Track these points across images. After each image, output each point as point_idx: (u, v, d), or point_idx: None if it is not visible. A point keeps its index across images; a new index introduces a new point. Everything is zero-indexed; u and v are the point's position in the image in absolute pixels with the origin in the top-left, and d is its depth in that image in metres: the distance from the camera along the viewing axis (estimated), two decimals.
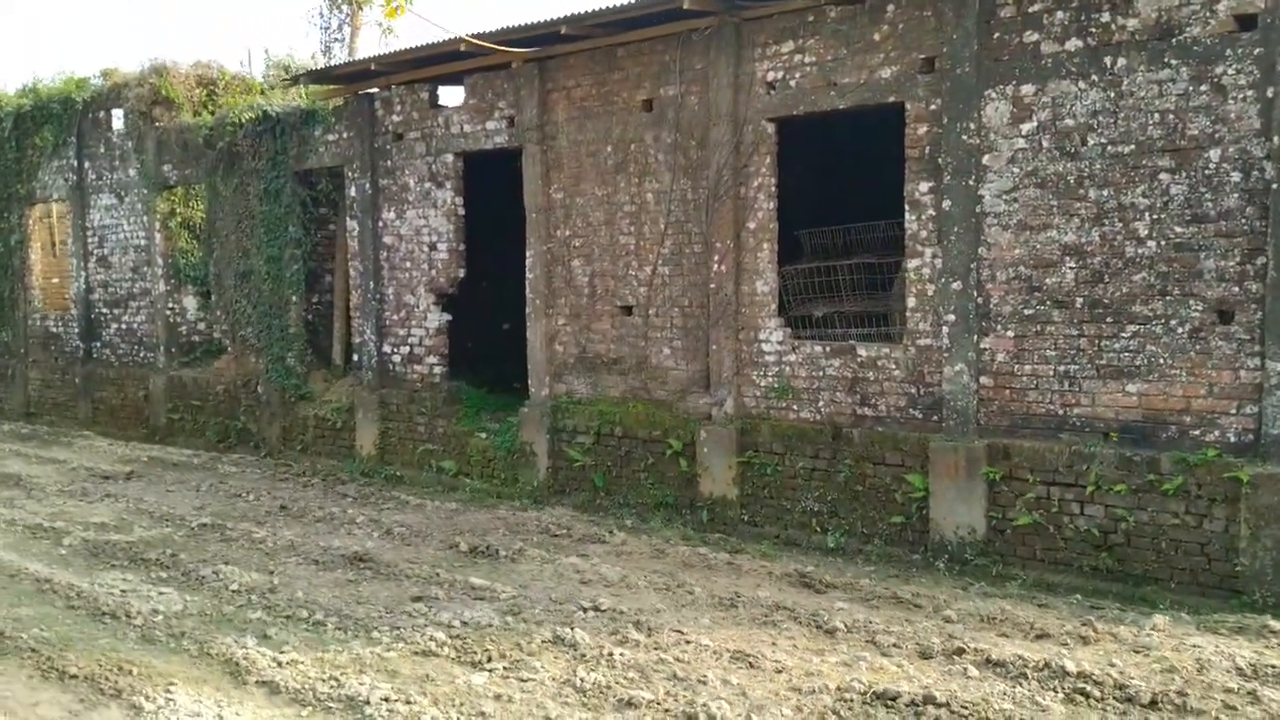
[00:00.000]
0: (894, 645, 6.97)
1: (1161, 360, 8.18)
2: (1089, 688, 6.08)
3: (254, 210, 15.33)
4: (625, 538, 10.14)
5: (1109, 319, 8.41)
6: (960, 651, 6.74)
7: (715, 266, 10.58)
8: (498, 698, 6.10)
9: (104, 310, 18.22)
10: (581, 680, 6.32)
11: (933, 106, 9.21)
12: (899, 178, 9.58)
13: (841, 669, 6.53)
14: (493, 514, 11.21)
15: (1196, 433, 8.06)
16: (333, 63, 20.63)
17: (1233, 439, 7.90)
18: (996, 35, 8.85)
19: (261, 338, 15.49)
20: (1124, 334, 8.35)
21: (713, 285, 10.62)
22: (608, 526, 10.58)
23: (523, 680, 6.38)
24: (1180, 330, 8.09)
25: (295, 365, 15.17)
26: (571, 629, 7.27)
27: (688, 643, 7.00)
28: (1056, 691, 6.08)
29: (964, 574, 8.90)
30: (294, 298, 15.18)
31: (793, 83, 10.03)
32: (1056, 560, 8.63)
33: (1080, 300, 8.55)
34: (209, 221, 16.34)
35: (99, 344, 18.40)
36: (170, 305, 17.15)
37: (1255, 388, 7.78)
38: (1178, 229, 8.06)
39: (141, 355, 17.56)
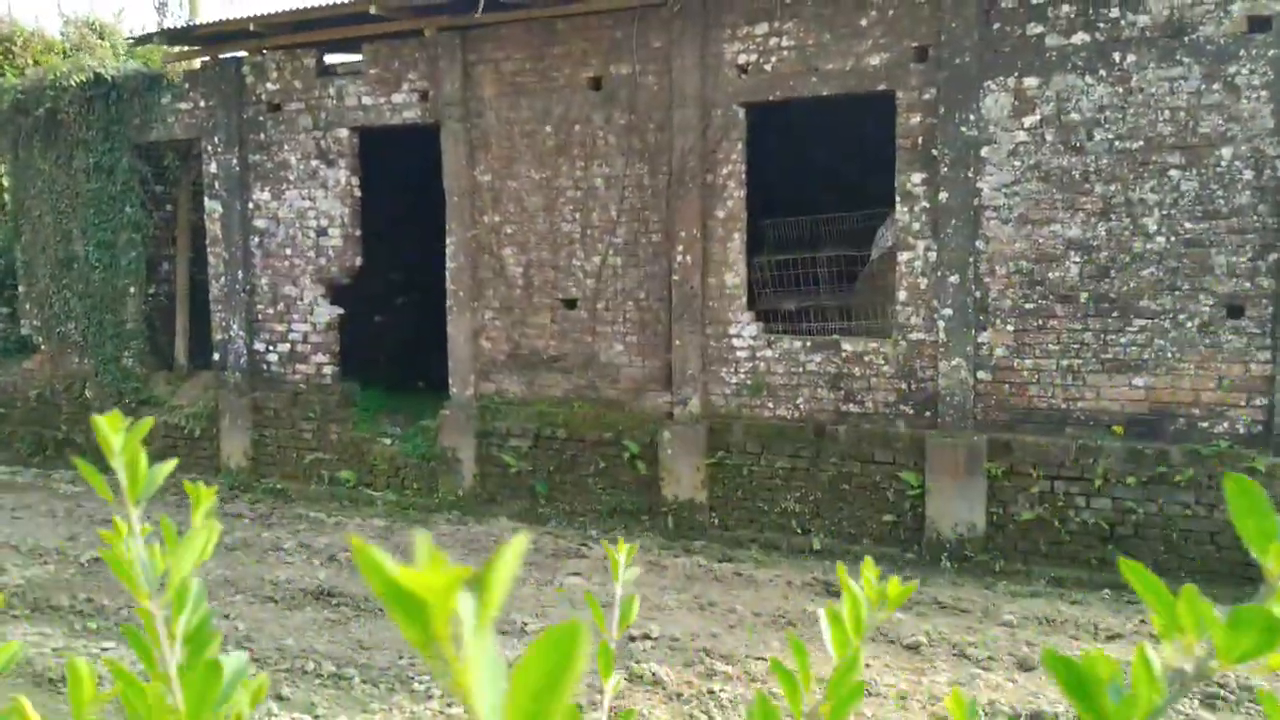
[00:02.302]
0: (989, 658, 6.71)
1: (1170, 354, 8.35)
2: (1217, 689, 6.03)
3: (80, 188, 13.22)
4: (599, 549, 9.39)
5: (1115, 313, 8.50)
6: None
7: (679, 257, 9.97)
8: None
9: None
10: None
11: (926, 96, 9.00)
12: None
13: (961, 689, 6.17)
14: (434, 530, 10.12)
15: (1205, 425, 8.28)
16: (174, 23, 18.22)
17: (1242, 431, 8.17)
18: (997, 26, 8.74)
19: (89, 335, 13.43)
20: (1130, 328, 8.46)
21: (676, 277, 10.02)
22: (574, 539, 9.78)
23: None
24: (1190, 325, 8.28)
25: (134, 366, 13.25)
26: (639, 663, 6.55)
27: None
28: (1190, 698, 5.99)
29: (964, 571, 8.80)
30: (132, 289, 13.24)
31: (768, 66, 9.56)
32: (1061, 555, 8.68)
33: (1085, 295, 8.59)
34: (15, 201, 13.99)
35: None
36: None
37: (1266, 380, 8.06)
38: (1188, 225, 8.23)
39: None
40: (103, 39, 16.32)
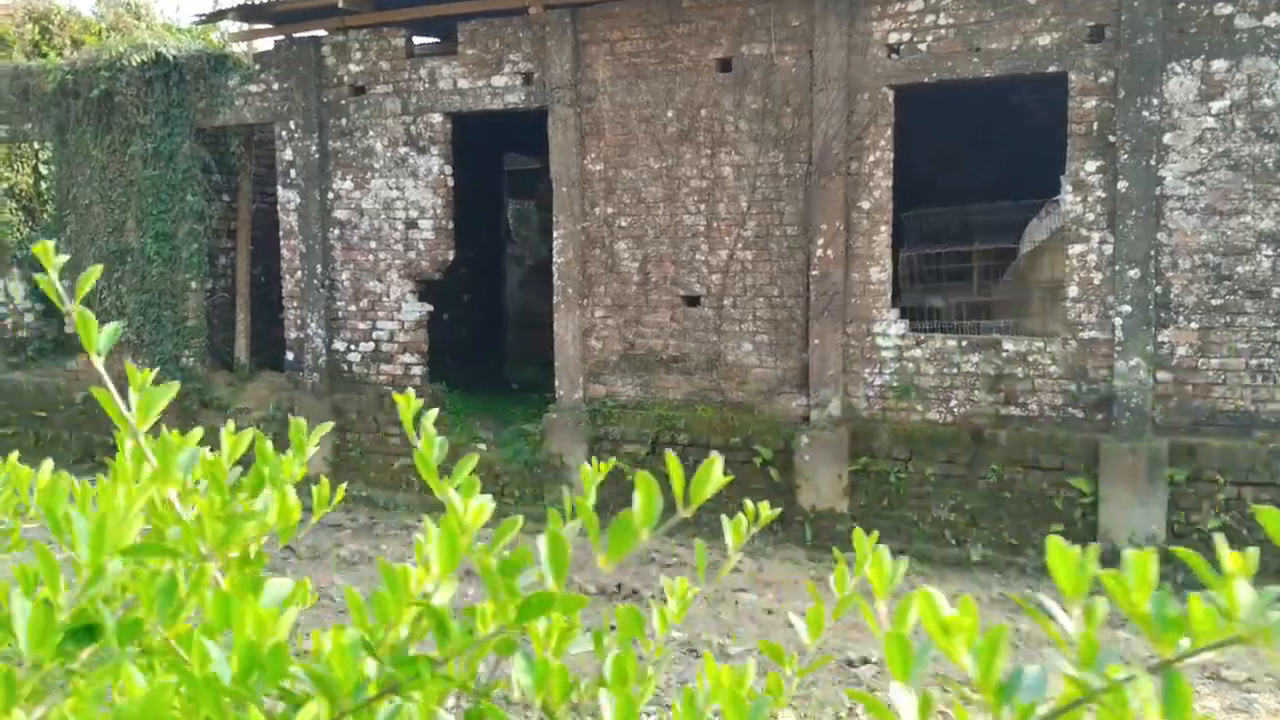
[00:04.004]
0: (1249, 680, 6.16)
1: None
2: None
3: (136, 175, 12.37)
4: (749, 563, 8.77)
5: None
6: None
7: (818, 251, 9.36)
8: None
9: None
10: None
11: (1103, 79, 8.46)
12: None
13: None
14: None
15: None
16: None
17: None
18: (1181, 6, 8.22)
19: (145, 333, 12.58)
20: None
21: (815, 272, 9.40)
22: (709, 552, 9.13)
23: None
24: None
25: (195, 366, 12.43)
26: (874, 690, 5.93)
27: None
28: None
29: None
30: (193, 283, 12.42)
31: (923, 46, 8.98)
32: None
33: (1278, 290, 8.09)
34: (60, 189, 13.09)
35: None
36: None
37: None
38: None
39: None
40: (139, 19, 15.45)
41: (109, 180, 12.55)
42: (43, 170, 14.37)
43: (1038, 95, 10.78)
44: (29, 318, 14.08)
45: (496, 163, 15.13)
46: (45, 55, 13.59)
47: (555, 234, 10.41)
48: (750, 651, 6.66)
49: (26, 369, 13.72)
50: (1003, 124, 11.83)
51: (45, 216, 14.33)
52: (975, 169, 11.79)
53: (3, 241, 13.74)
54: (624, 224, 10.20)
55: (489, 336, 14.79)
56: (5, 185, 13.71)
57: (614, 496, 10.22)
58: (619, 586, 8.03)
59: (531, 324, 16.30)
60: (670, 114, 9.92)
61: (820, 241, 9.35)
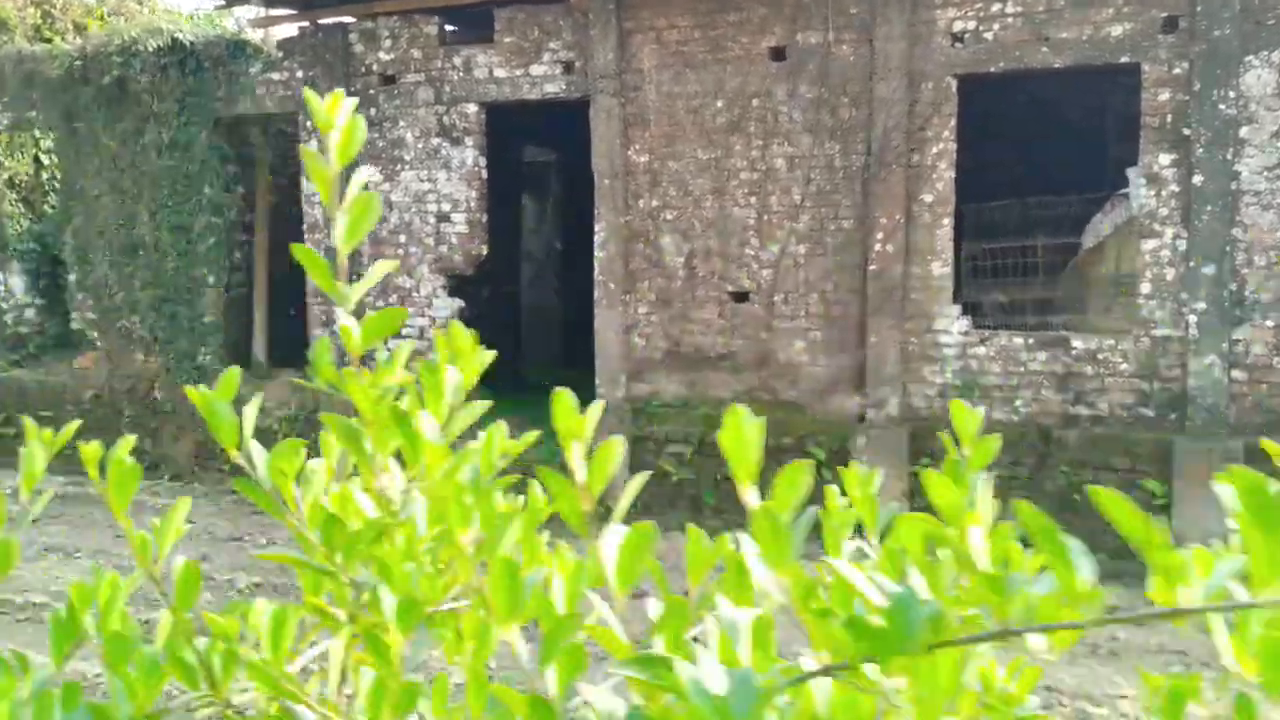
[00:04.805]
0: None
1: None
2: None
3: (150, 166, 11.91)
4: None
5: None
6: None
7: (877, 245, 9.10)
8: None
9: None
10: None
11: (1176, 71, 8.24)
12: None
13: None
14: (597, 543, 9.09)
15: None
16: None
17: None
18: None
19: (159, 329, 12.13)
20: None
21: (873, 267, 9.14)
22: None
23: None
24: None
25: (212, 364, 11.98)
26: None
27: None
28: None
29: None
30: (210, 278, 11.99)
31: (989, 35, 8.74)
32: None
33: None
34: (66, 179, 12.60)
35: None
36: None
37: None
38: None
39: None
40: (141, 4, 14.95)
41: (120, 170, 12.08)
42: (43, 159, 13.86)
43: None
44: (29, 312, 13.57)
45: (513, 155, 14.75)
46: (48, 40, 13.09)
47: (596, 228, 10.08)
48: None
49: (27, 366, 13.22)
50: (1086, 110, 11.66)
51: (46, 207, 13.82)
52: (1048, 158, 11.61)
53: (2, 233, 13.22)
54: (669, 217, 9.89)
55: (505, 333, 14.42)
56: (5, 175, 13.18)
57: (656, 500, 9.95)
58: (684, 593, 7.71)
59: (542, 320, 15.98)
60: (719, 104, 9.62)
61: (879, 235, 9.08)
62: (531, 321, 15.40)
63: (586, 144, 10.01)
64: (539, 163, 15.52)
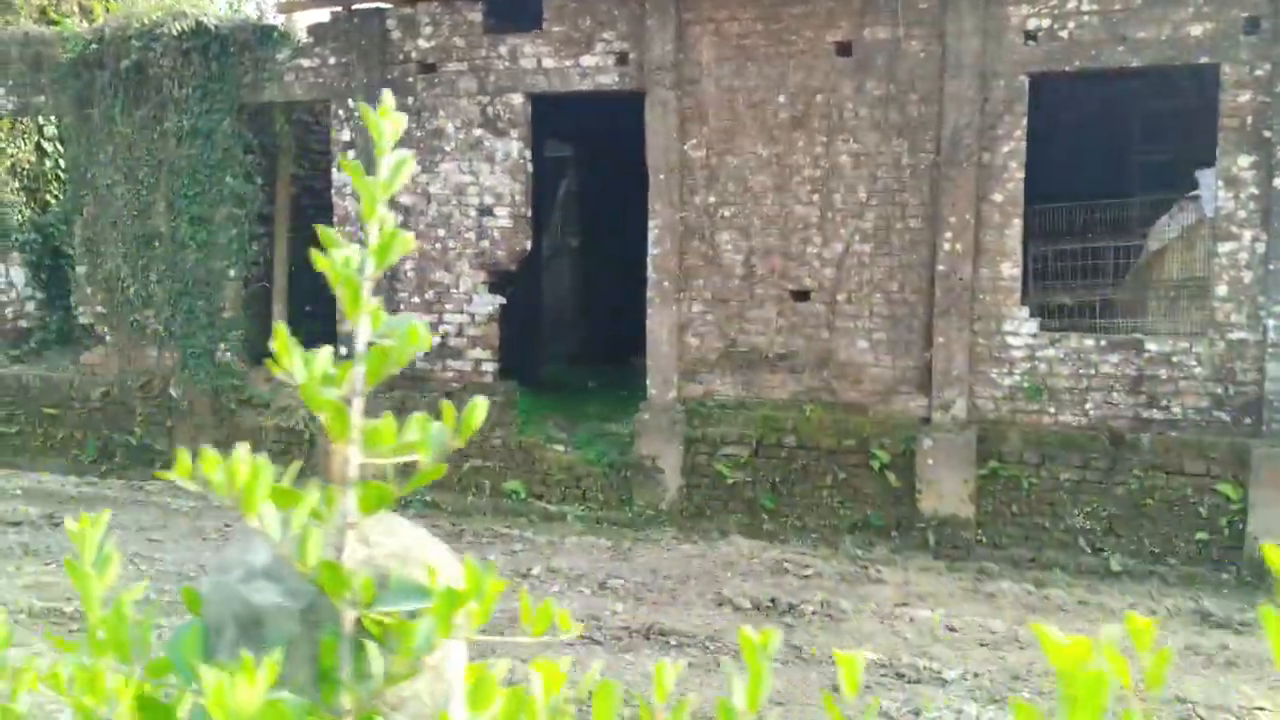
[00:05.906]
0: None
1: None
2: None
3: (168, 154, 11.44)
4: (890, 573, 8.32)
5: None
6: None
7: (945, 245, 8.95)
8: None
9: None
10: None
11: (1258, 72, 8.19)
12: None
13: None
14: (679, 552, 8.86)
15: None
16: None
17: None
18: None
19: (175, 324, 11.66)
20: None
21: (941, 267, 8.99)
22: (835, 560, 8.68)
23: None
24: None
25: (232, 360, 11.56)
26: None
27: None
28: None
29: None
30: (231, 271, 11.55)
31: (1064, 33, 8.63)
32: None
33: None
34: (76, 167, 12.06)
35: None
36: None
37: None
38: None
39: None
40: None
41: (136, 159, 11.60)
42: (46, 146, 13.29)
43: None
44: (31, 306, 13.01)
45: (538, 149, 14.44)
46: (55, 22, 12.54)
47: (650, 224, 9.83)
48: (967, 676, 6.20)
49: (28, 362, 12.67)
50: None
51: (49, 197, 13.25)
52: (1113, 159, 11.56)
53: (3, 223, 12.65)
54: (727, 214, 9.67)
55: (527, 329, 14.11)
56: (7, 162, 12.61)
57: (710, 503, 9.74)
58: (773, 601, 7.50)
59: (559, 316, 15.71)
60: (782, 99, 9.42)
61: (948, 235, 8.94)
62: (550, 319, 15.12)
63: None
64: (555, 158, 15.23)
